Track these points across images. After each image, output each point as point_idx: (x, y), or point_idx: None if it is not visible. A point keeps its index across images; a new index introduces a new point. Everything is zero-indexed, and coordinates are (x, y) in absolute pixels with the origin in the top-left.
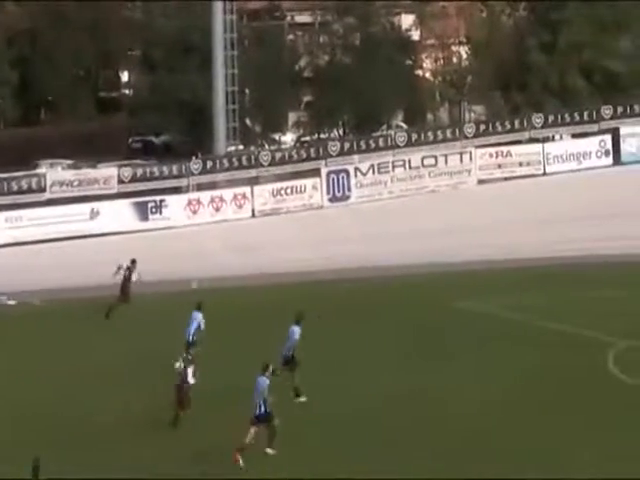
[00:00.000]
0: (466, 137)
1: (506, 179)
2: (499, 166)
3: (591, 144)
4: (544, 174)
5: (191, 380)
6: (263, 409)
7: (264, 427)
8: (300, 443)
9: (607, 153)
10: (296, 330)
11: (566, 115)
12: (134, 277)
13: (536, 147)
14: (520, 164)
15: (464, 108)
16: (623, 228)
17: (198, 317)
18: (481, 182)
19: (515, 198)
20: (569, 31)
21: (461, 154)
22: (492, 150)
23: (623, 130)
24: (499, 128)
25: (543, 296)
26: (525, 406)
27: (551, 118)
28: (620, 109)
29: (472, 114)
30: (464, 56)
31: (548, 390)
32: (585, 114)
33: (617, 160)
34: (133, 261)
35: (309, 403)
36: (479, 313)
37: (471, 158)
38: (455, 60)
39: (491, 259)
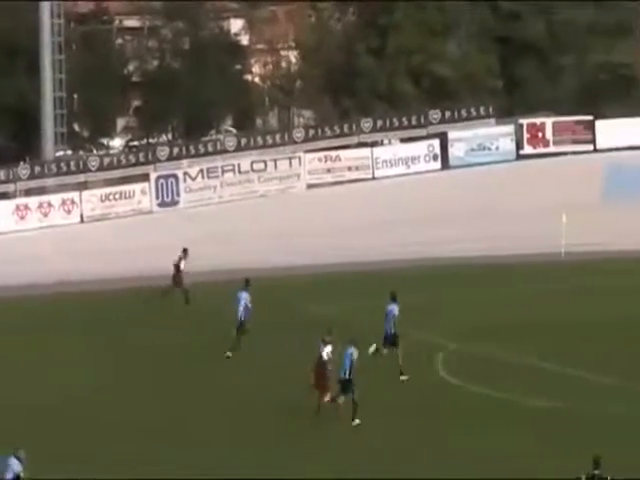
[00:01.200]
0: (295, 142)
1: (335, 183)
2: (328, 170)
3: (419, 148)
4: (373, 178)
5: None
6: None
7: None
8: None
9: (435, 157)
10: (394, 307)
11: (395, 120)
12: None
13: (365, 151)
14: (349, 168)
15: (293, 113)
16: (452, 231)
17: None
18: (310, 187)
19: (344, 202)
20: (397, 36)
21: (290, 159)
22: (321, 155)
23: (451, 134)
24: (328, 133)
25: (372, 299)
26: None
27: (380, 123)
28: (448, 114)
29: (301, 119)
30: (293, 61)
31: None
32: (413, 119)
33: (445, 164)
34: (184, 250)
35: None
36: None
37: (300, 163)
38: (284, 65)
39: (319, 263)
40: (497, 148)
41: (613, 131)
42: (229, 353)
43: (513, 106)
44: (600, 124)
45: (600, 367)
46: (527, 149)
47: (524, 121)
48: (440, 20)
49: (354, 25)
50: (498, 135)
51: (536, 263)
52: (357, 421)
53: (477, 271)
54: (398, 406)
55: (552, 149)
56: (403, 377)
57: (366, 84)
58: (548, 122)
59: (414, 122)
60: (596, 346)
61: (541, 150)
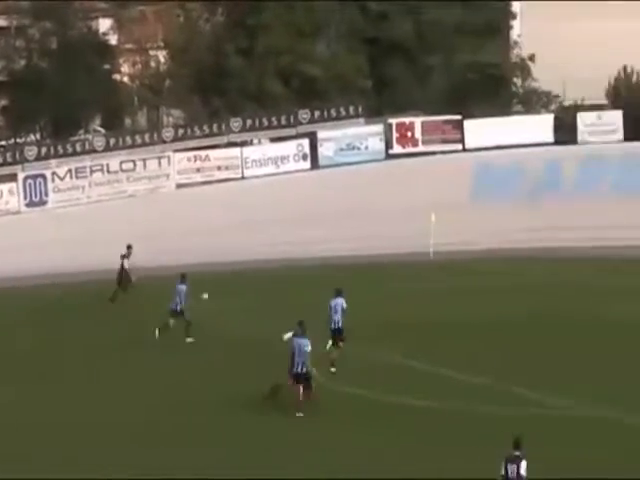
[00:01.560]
0: (164, 141)
1: (205, 183)
2: (198, 170)
3: (289, 148)
4: (243, 178)
5: None
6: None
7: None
8: None
9: (305, 157)
10: (341, 301)
11: (264, 119)
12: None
13: (234, 151)
14: (219, 168)
15: (162, 112)
16: (322, 231)
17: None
18: (180, 186)
19: (214, 202)
20: (266, 36)
21: (159, 158)
22: (191, 154)
23: (320, 134)
24: (198, 132)
25: (240, 298)
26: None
27: (249, 122)
28: (317, 113)
29: (170, 118)
30: (162, 60)
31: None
32: (283, 118)
33: (315, 164)
34: (128, 247)
35: None
36: None
37: (169, 162)
38: (153, 64)
39: (188, 263)
40: (366, 148)
41: (481, 131)
42: (189, 339)
43: (382, 106)
44: (469, 124)
45: (470, 367)
46: (396, 148)
47: (393, 121)
48: (309, 21)
49: (223, 25)
50: (367, 135)
51: (405, 263)
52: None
53: (346, 271)
54: (269, 406)
55: (421, 148)
56: (333, 369)
57: (235, 84)
58: (417, 122)
59: (283, 122)
60: (465, 346)
61: (410, 149)
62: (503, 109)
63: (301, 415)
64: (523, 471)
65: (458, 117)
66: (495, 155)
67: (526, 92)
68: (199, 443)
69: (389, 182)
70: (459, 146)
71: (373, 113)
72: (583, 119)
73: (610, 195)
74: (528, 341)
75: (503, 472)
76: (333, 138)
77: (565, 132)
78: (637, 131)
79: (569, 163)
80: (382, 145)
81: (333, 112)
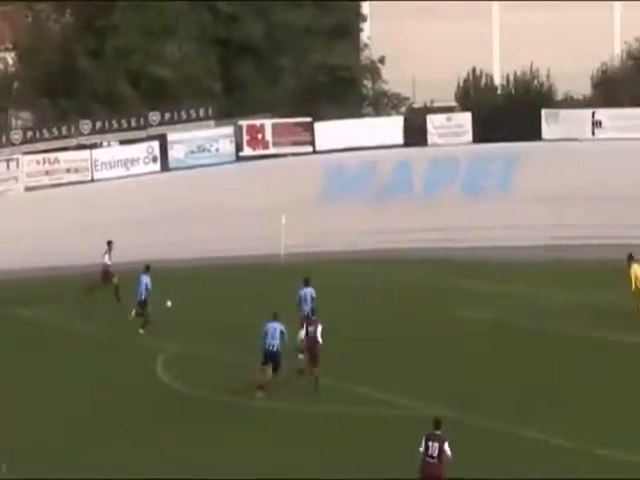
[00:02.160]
0: (13, 144)
1: (54, 186)
2: (47, 173)
3: (139, 150)
4: (92, 181)
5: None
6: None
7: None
8: None
9: (155, 159)
10: (311, 290)
11: (114, 121)
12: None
13: (84, 154)
14: (68, 171)
15: (11, 114)
16: (172, 233)
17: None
18: (29, 189)
19: (63, 205)
20: (116, 37)
21: (8, 161)
22: (40, 157)
23: (171, 136)
24: (47, 135)
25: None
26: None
27: (99, 124)
28: (168, 115)
29: (19, 121)
30: (10, 62)
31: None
32: (133, 120)
33: (165, 166)
34: (109, 243)
35: None
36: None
37: (18, 165)
38: (1, 66)
39: (35, 266)
40: (217, 150)
41: (332, 133)
42: (141, 330)
43: (233, 108)
44: (319, 126)
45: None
46: (247, 151)
47: (244, 123)
48: (159, 22)
49: (72, 26)
50: (218, 137)
51: (256, 264)
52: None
53: (197, 273)
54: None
55: (272, 150)
56: (300, 356)
57: (85, 86)
58: (267, 124)
59: (133, 124)
60: None
61: (261, 152)
62: (353, 111)
63: (261, 396)
64: (448, 450)
65: (308, 119)
66: (345, 157)
67: (376, 94)
68: None
69: (240, 184)
70: (309, 148)
71: (223, 115)
72: (432, 121)
73: (459, 196)
74: (370, 341)
75: (423, 448)
76: (183, 140)
77: (415, 134)
78: (486, 133)
79: (419, 165)
80: (232, 147)
81: (183, 114)
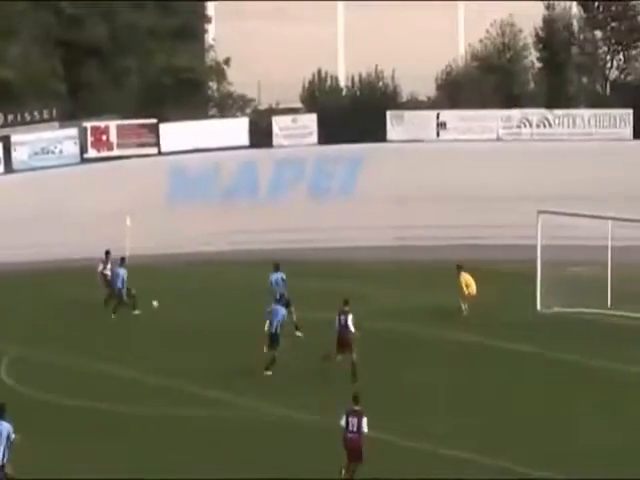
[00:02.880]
0: None
1: None
2: None
3: None
4: None
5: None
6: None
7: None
8: None
9: None
10: (281, 275)
11: None
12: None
13: None
14: None
15: None
16: (15, 236)
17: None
18: None
19: None
20: None
21: None
22: None
23: (14, 138)
24: None
25: None
26: None
27: None
28: (11, 117)
29: None
30: None
31: None
32: None
33: (8, 168)
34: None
35: None
36: None
37: None
38: None
39: None
40: (61, 152)
41: (177, 134)
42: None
43: (78, 109)
44: (164, 127)
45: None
46: (91, 152)
47: (88, 124)
48: (1, 23)
49: None
50: (62, 138)
51: (81, 268)
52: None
53: (40, 275)
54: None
55: (117, 152)
56: (298, 333)
57: None
58: (112, 125)
59: None
60: (150, 348)
61: (106, 153)
62: (199, 113)
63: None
64: (364, 425)
65: (154, 121)
66: (191, 159)
67: (221, 96)
68: None
69: (84, 186)
70: (155, 150)
71: (68, 117)
72: (278, 122)
73: (305, 198)
74: (218, 343)
75: (344, 423)
76: (27, 142)
77: (260, 135)
78: (331, 135)
79: (264, 166)
80: (77, 149)
81: (27, 116)
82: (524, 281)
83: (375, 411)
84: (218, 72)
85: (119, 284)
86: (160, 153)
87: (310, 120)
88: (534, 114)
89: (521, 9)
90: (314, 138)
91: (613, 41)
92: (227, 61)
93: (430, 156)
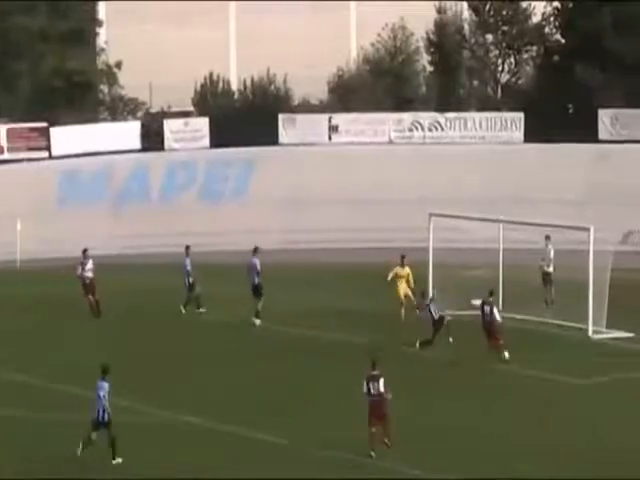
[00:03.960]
0: None
1: None
2: None
3: None
4: None
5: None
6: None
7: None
8: None
9: None
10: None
11: None
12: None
13: None
14: None
15: None
16: None
17: None
18: None
19: None
20: None
21: None
22: None
23: None
24: None
25: None
26: None
27: None
28: None
29: None
30: None
31: None
32: None
33: None
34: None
35: None
36: None
37: None
38: None
39: None
40: None
41: (68, 138)
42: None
43: None
44: (55, 131)
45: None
46: None
47: None
48: None
49: None
50: None
51: None
52: None
53: None
54: None
55: (7, 156)
56: (257, 321)
57: None
58: (2, 129)
59: None
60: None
61: None
62: (90, 116)
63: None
64: (382, 387)
65: (44, 124)
66: (82, 162)
67: (113, 99)
68: None
69: None
70: (45, 153)
71: None
72: (170, 126)
73: (197, 201)
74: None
75: (366, 389)
76: None
77: (152, 139)
78: (223, 138)
79: (156, 170)
80: None
81: None
82: (417, 284)
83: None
84: (109, 75)
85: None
86: (51, 157)
87: (202, 123)
88: (426, 117)
89: (413, 12)
90: (206, 141)
91: (504, 45)
92: (119, 64)
93: (322, 159)
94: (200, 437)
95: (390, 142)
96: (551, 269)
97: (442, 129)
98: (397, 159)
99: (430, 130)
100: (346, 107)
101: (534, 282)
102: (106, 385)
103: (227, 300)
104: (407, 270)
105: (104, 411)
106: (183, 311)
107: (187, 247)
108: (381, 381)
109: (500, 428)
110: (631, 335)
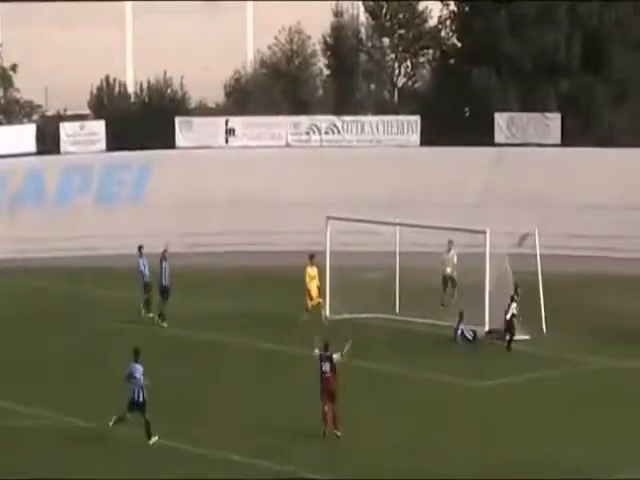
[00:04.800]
0: None
1: None
2: None
3: None
4: None
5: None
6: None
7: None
8: None
9: None
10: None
11: None
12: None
13: None
14: None
15: None
16: None
17: None
18: None
19: None
20: None
21: None
22: None
23: None
24: None
25: None
26: None
27: None
28: None
29: None
30: None
31: None
32: None
33: None
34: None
35: None
36: None
37: None
38: None
39: None
40: None
41: None
42: None
43: None
44: None
45: None
46: None
47: None
48: None
49: None
50: None
51: None
52: None
53: None
54: None
55: None
56: (164, 323)
57: None
58: None
59: None
60: None
61: None
62: None
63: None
64: (330, 366)
65: None
66: None
67: (8, 102)
68: None
69: None
70: None
71: None
72: (66, 129)
73: (93, 205)
74: None
75: (319, 368)
76: None
77: (48, 142)
78: (120, 141)
79: (51, 173)
80: None
81: None
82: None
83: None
84: (4, 78)
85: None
86: None
87: (98, 126)
88: (323, 121)
89: (310, 16)
90: (102, 145)
91: (400, 48)
92: (14, 67)
93: (219, 162)
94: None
95: (287, 145)
96: (452, 272)
97: (339, 132)
98: (294, 162)
99: (327, 133)
100: (243, 110)
101: (432, 285)
102: (140, 367)
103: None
104: (316, 270)
105: (140, 392)
106: (143, 312)
107: (140, 247)
108: (333, 359)
109: (392, 429)
110: (527, 337)
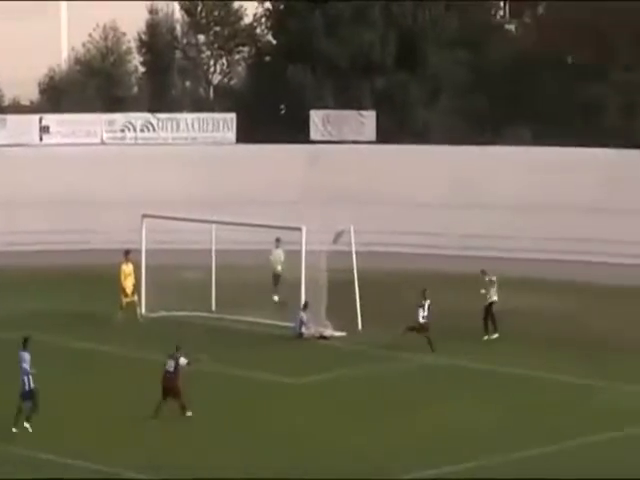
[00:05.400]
0: None
1: None
2: None
3: None
4: None
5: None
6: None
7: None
8: None
9: None
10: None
11: None
12: None
13: None
14: None
15: None
16: None
17: None
18: None
19: None
20: None
21: None
22: None
23: None
24: None
25: None
26: None
27: None
28: None
29: None
30: None
31: None
32: None
33: None
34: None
35: None
36: None
37: None
38: None
39: None
40: None
41: None
42: None
43: None
44: None
45: None
46: None
47: None
48: None
49: None
50: None
51: None
52: None
53: None
54: None
55: None
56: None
57: None
58: None
59: None
60: None
61: None
62: None
63: None
64: (183, 362)
65: None
66: None
67: None
68: None
69: None
70: None
71: None
72: None
73: None
74: None
75: (167, 366)
76: None
77: None
78: None
79: None
80: None
81: None
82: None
83: None
84: None
85: None
86: None
87: None
88: (138, 118)
89: (125, 13)
90: None
91: (216, 45)
92: None
93: (33, 160)
94: None
95: (102, 143)
96: (282, 269)
97: (154, 130)
98: (109, 160)
99: (142, 131)
100: (57, 108)
101: (249, 282)
102: (27, 355)
103: None
104: (132, 267)
105: (29, 380)
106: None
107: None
108: (180, 362)
109: (205, 426)
110: (343, 334)
